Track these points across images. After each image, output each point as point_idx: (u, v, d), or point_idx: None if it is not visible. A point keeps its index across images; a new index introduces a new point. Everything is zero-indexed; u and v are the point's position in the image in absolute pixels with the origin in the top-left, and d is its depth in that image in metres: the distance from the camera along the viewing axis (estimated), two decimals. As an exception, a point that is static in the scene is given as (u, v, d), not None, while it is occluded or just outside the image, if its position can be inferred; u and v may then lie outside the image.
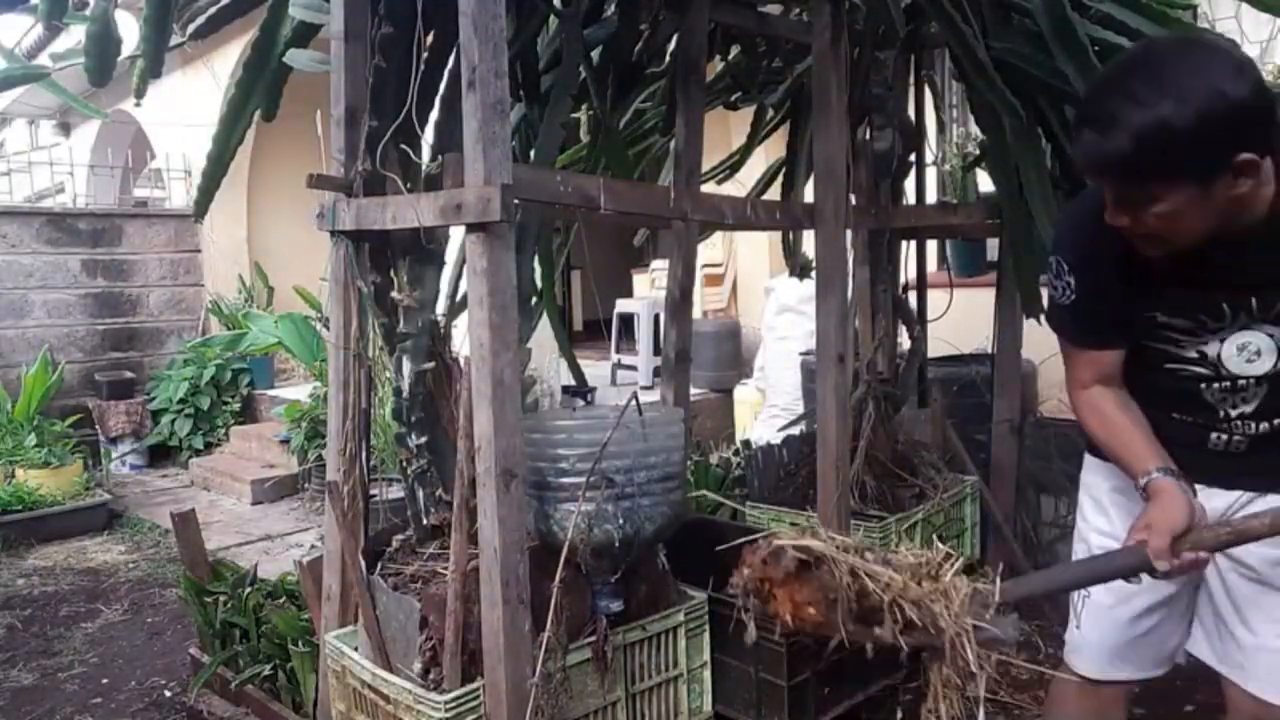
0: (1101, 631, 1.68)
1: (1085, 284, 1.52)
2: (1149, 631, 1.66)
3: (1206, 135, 1.22)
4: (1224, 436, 1.52)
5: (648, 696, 2.14)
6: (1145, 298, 1.47)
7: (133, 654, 3.34)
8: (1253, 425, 1.50)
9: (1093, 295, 1.52)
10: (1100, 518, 1.71)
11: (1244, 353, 1.45)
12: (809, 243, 2.93)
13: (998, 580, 1.36)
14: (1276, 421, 1.49)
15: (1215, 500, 1.52)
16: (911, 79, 3.31)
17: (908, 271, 3.44)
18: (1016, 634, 1.33)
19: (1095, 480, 1.73)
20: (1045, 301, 1.72)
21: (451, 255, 2.26)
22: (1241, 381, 1.47)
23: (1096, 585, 1.54)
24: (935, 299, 3.52)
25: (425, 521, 2.08)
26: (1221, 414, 1.50)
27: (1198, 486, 1.48)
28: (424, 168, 2.08)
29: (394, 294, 2.06)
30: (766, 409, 5.47)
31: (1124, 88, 1.29)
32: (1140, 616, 1.65)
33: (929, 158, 3.68)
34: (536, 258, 2.80)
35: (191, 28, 2.53)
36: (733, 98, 3.43)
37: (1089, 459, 1.76)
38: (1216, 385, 1.49)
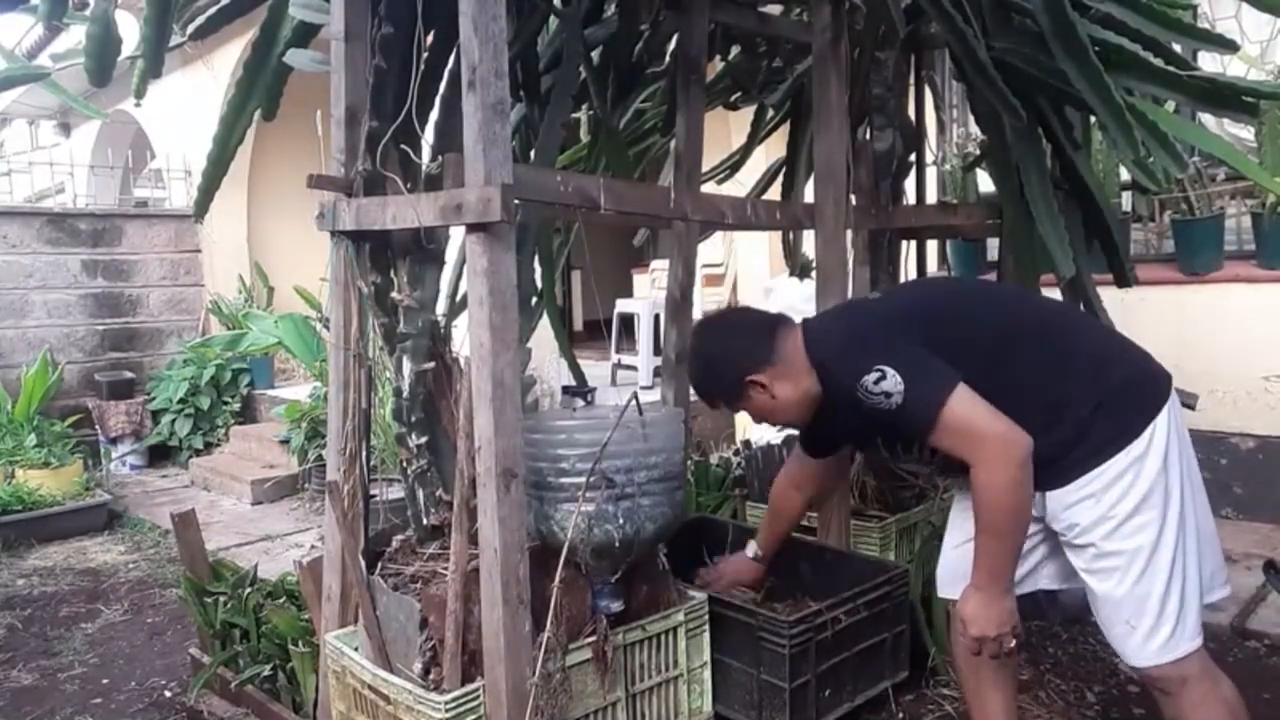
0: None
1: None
2: None
3: (709, 377, 2.01)
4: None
5: (648, 697, 2.14)
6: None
7: (133, 654, 3.34)
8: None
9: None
10: None
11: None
12: (809, 243, 2.93)
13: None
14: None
15: None
16: (911, 79, 3.31)
17: (908, 271, 3.44)
18: None
19: None
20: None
21: (451, 255, 2.26)
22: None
23: None
24: (935, 299, 3.51)
25: (425, 521, 2.08)
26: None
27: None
28: (424, 168, 2.08)
29: (394, 294, 2.06)
30: (767, 409, 5.46)
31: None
32: None
33: (929, 158, 3.68)
34: (536, 258, 2.81)
35: (191, 28, 2.53)
36: (733, 98, 3.43)
37: None
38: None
